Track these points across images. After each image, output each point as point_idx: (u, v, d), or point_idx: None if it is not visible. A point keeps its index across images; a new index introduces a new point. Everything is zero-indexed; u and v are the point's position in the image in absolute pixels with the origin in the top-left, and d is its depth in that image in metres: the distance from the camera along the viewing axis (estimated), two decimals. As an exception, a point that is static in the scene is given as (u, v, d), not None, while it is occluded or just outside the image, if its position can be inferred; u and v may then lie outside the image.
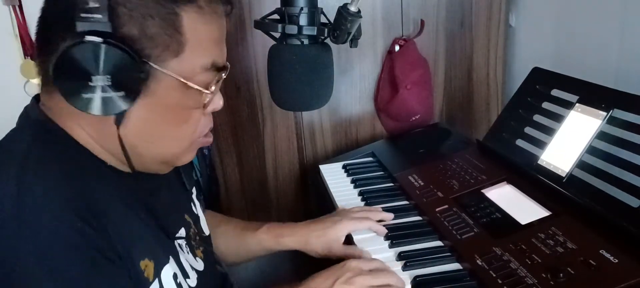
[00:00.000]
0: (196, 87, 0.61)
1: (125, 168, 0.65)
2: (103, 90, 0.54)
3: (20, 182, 0.53)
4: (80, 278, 0.52)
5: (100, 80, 0.53)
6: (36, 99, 0.65)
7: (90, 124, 0.60)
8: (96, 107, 0.54)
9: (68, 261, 0.52)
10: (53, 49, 0.53)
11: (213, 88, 0.63)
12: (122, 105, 0.55)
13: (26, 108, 0.65)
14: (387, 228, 0.92)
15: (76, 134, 0.61)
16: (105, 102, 0.54)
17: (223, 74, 0.65)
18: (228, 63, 0.68)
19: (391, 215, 0.96)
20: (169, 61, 0.58)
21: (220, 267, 0.88)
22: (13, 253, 0.50)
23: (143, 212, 0.65)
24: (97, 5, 0.52)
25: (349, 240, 0.91)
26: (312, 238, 0.90)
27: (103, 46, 0.52)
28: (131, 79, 0.55)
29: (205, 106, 0.64)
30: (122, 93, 0.55)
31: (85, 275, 0.53)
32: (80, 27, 0.52)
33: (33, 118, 0.62)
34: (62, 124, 0.61)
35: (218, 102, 0.68)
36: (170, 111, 0.62)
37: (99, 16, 0.53)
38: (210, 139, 0.71)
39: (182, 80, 0.59)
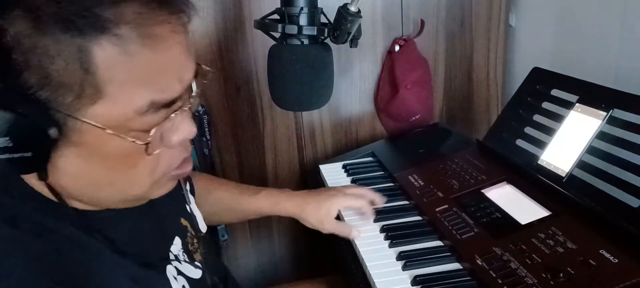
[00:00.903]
0: (128, 138, 0.49)
1: (95, 207, 0.59)
2: (8, 151, 0.46)
3: None
4: None
5: (1, 143, 0.46)
6: None
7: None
8: (10, 167, 0.47)
9: None
10: None
11: (154, 131, 0.51)
12: (35, 165, 0.48)
13: None
14: (387, 228, 0.92)
15: (33, 183, 0.54)
16: (16, 162, 0.47)
17: (184, 103, 0.54)
18: (187, 81, 0.55)
19: (384, 199, 0.99)
20: (87, 109, 0.47)
21: (221, 266, 0.88)
22: None
23: (119, 257, 0.58)
24: None
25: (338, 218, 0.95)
26: (307, 208, 0.93)
27: None
28: (36, 137, 0.46)
29: (149, 151, 0.52)
30: (29, 154, 0.47)
31: None
32: None
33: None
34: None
35: (188, 131, 0.56)
36: (110, 160, 0.52)
37: None
38: (185, 170, 0.60)
39: (108, 131, 0.48)
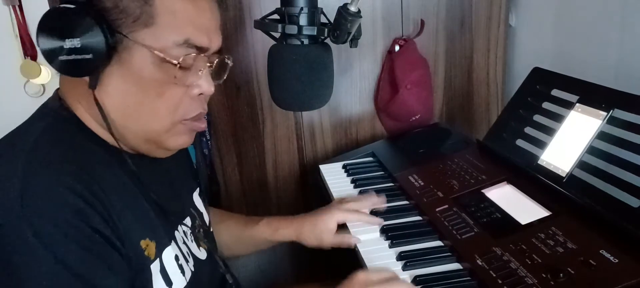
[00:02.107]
0: (165, 57, 0.62)
1: (126, 148, 0.68)
2: (74, 52, 0.59)
3: (26, 168, 0.56)
4: (78, 260, 0.55)
5: (71, 43, 0.59)
6: (58, 89, 0.70)
7: (84, 97, 0.64)
8: (69, 68, 0.60)
9: (68, 243, 0.54)
10: None
11: (182, 60, 0.64)
12: (91, 67, 0.60)
13: (49, 98, 0.70)
14: (387, 228, 0.92)
15: (82, 116, 0.66)
16: (77, 64, 0.59)
17: (209, 57, 0.67)
18: (228, 56, 0.70)
19: (384, 200, 0.98)
20: (139, 32, 0.61)
21: (224, 266, 0.89)
22: (16, 235, 0.53)
23: (146, 195, 0.68)
24: None
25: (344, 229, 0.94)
26: (304, 230, 0.95)
27: (74, 12, 0.58)
28: (99, 43, 0.59)
29: (177, 79, 0.65)
30: (90, 55, 0.59)
31: (84, 258, 0.55)
32: None
33: (49, 106, 0.67)
34: (73, 107, 0.66)
35: (206, 87, 0.68)
36: (144, 83, 0.64)
37: None
38: (201, 125, 0.71)
39: (152, 50, 0.62)
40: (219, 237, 0.95)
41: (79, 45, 0.59)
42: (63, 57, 0.59)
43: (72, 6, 0.58)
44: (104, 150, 0.65)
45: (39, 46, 0.60)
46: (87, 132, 0.66)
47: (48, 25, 0.59)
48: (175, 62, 0.63)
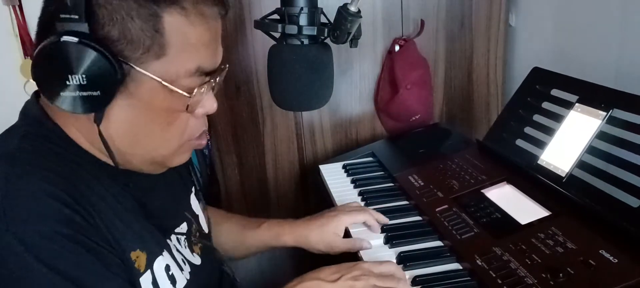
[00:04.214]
0: (179, 91, 0.60)
1: (123, 168, 0.66)
2: (79, 88, 0.55)
3: (8, 175, 0.54)
4: (71, 263, 0.53)
5: (75, 79, 0.54)
6: (36, 94, 0.66)
7: (78, 121, 0.61)
8: (72, 105, 0.55)
9: (58, 249, 0.53)
10: None
11: (196, 92, 0.61)
12: (98, 105, 0.56)
13: (26, 103, 0.66)
14: (387, 228, 0.92)
15: (69, 131, 0.62)
16: (82, 100, 0.55)
17: (214, 78, 0.65)
18: (224, 65, 0.67)
19: (386, 219, 0.95)
20: (150, 63, 0.58)
21: (223, 265, 0.89)
22: (3, 246, 0.51)
23: (135, 207, 0.66)
24: (75, 6, 0.53)
25: (347, 235, 0.92)
26: (311, 235, 0.91)
27: (77, 46, 0.53)
28: (107, 79, 0.55)
29: (190, 109, 0.63)
30: (97, 93, 0.55)
31: (76, 260, 0.54)
32: (59, 27, 0.54)
33: (31, 115, 0.64)
34: (58, 121, 0.62)
35: (210, 105, 0.67)
36: (154, 113, 0.62)
37: (76, 17, 0.54)
38: (203, 141, 0.71)
39: (163, 83, 0.58)
40: (218, 239, 0.93)
41: (85, 82, 0.55)
42: (66, 94, 0.55)
43: (74, 39, 0.53)
44: (91, 163, 0.63)
45: (35, 82, 0.55)
46: (72, 144, 0.62)
47: (47, 60, 0.54)
48: (187, 95, 0.60)
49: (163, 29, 0.57)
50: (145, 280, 0.63)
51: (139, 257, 0.62)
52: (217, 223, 0.96)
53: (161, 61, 0.58)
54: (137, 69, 0.57)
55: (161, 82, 0.58)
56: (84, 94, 0.55)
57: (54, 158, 0.59)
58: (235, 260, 1.00)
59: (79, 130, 0.62)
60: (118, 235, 0.60)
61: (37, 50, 0.54)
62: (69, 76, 0.54)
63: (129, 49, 0.56)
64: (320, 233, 0.90)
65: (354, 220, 0.92)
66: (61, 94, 0.55)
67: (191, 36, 0.59)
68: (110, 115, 0.59)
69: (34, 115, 0.63)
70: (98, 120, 0.58)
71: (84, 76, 0.54)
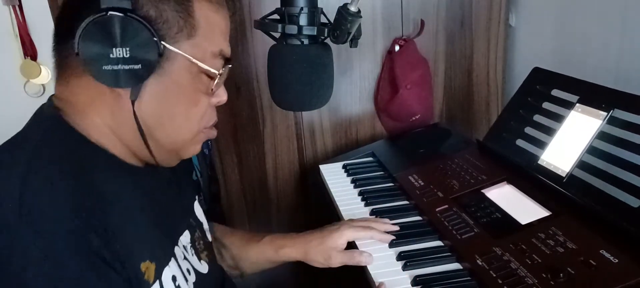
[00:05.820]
0: (207, 68, 0.64)
1: (135, 162, 0.67)
2: (122, 61, 0.57)
3: (25, 181, 0.54)
4: (78, 281, 0.53)
5: (119, 52, 0.57)
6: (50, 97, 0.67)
7: (107, 107, 0.63)
8: (115, 78, 0.58)
9: (67, 263, 0.52)
10: (75, 32, 0.57)
11: (221, 73, 0.66)
12: (138, 78, 0.59)
13: (42, 105, 0.67)
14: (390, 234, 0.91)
15: (89, 126, 0.63)
16: (123, 74, 0.58)
17: (228, 66, 0.69)
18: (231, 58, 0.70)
19: (397, 227, 0.93)
20: (182, 43, 0.62)
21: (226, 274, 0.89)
22: (13, 251, 0.51)
23: (148, 209, 0.66)
24: None
25: (352, 246, 0.90)
26: (311, 248, 0.90)
27: (124, 20, 0.57)
28: (148, 53, 0.58)
29: (213, 90, 0.67)
30: (138, 66, 0.58)
31: (83, 278, 0.53)
32: (104, 3, 0.57)
33: (46, 114, 0.64)
34: (76, 118, 0.63)
35: (223, 96, 0.71)
36: (182, 92, 0.65)
37: None
38: (214, 132, 0.73)
39: (194, 60, 0.63)
40: (219, 256, 0.92)
41: (128, 55, 0.57)
42: (107, 67, 0.57)
43: (120, 14, 0.57)
44: (105, 165, 0.63)
45: (79, 53, 0.57)
46: (88, 145, 0.63)
47: (94, 31, 0.57)
48: (216, 72, 0.65)
49: (193, 11, 0.63)
50: None
51: (148, 268, 0.61)
52: (221, 239, 0.95)
53: (191, 42, 0.63)
54: (171, 47, 0.61)
55: (191, 60, 0.63)
56: (126, 67, 0.58)
57: (72, 163, 0.58)
58: (241, 279, 0.98)
59: (104, 119, 0.63)
60: (130, 245, 0.59)
61: (84, 25, 0.56)
62: (113, 49, 0.57)
63: (165, 28, 0.60)
64: (318, 247, 0.90)
65: (357, 236, 0.90)
66: (104, 68, 0.57)
67: (215, 21, 0.66)
68: (143, 92, 0.61)
69: (50, 116, 0.64)
70: (134, 95, 0.60)
71: (127, 49, 0.57)
